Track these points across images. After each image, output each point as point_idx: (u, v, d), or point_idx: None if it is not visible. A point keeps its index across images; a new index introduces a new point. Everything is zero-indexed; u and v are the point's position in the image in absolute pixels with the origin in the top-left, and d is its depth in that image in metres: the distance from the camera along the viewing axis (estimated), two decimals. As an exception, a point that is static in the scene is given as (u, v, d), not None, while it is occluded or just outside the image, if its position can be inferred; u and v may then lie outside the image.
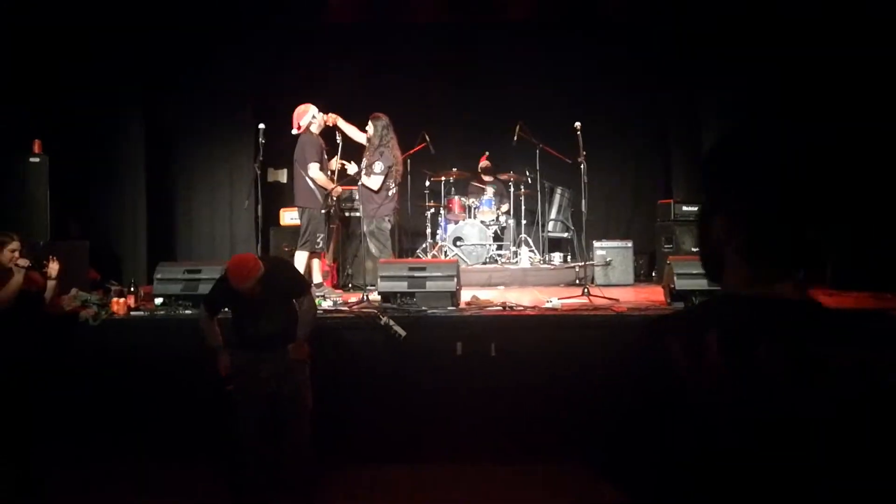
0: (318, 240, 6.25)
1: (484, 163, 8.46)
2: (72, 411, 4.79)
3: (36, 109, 6.52)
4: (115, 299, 5.19)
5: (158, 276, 5.40)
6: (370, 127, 6.47)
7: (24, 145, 5.79)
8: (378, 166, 6.32)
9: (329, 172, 6.37)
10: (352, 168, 6.61)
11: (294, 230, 8.11)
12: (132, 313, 5.18)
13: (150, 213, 7.64)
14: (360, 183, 6.43)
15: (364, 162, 6.44)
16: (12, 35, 6.15)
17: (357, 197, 6.89)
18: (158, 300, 5.31)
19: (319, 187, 6.19)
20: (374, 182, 6.34)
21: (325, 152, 6.31)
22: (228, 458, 4.14)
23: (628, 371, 1.09)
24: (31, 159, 5.66)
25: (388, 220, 6.50)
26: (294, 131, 6.33)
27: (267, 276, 3.96)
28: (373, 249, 6.40)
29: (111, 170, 7.52)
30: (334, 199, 6.42)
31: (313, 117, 6.30)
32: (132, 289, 5.42)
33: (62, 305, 4.99)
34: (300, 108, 6.33)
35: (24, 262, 4.40)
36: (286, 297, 4.17)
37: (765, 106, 7.36)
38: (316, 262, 6.38)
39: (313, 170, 6.15)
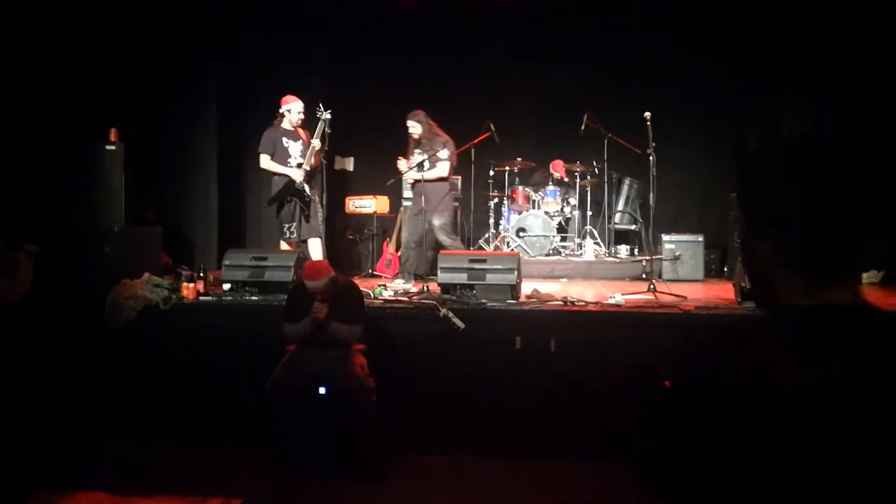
0: (285, 229, 6.39)
1: (557, 173, 8.26)
2: (140, 393, 4.97)
3: (111, 97, 6.76)
4: (185, 284, 5.35)
5: (227, 262, 5.53)
6: (414, 125, 6.52)
7: (100, 133, 6.00)
8: (444, 153, 6.39)
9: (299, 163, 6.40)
10: (402, 165, 6.63)
11: (359, 218, 8.22)
12: (201, 298, 5.32)
13: (220, 200, 7.85)
14: (422, 177, 6.45)
15: (421, 157, 6.46)
16: (87, 24, 6.37)
17: (411, 193, 6.92)
18: (226, 286, 5.45)
19: (278, 176, 6.33)
20: (443, 169, 6.47)
21: (285, 144, 6.37)
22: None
23: (695, 380, 1.03)
24: (107, 147, 5.86)
25: (456, 211, 6.55)
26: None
27: (336, 288, 4.30)
28: (446, 242, 6.49)
29: (185, 157, 7.77)
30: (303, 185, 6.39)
31: (288, 111, 6.37)
32: (202, 274, 5.57)
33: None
34: (286, 97, 6.43)
35: (32, 248, 4.08)
36: (345, 318, 4.34)
37: (849, 92, 6.97)
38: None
39: (263, 161, 6.32)
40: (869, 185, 1.01)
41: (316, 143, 6.28)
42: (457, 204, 6.62)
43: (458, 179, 7.58)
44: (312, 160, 6.32)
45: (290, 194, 6.38)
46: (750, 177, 1.09)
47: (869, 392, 0.91)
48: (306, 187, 6.35)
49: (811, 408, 0.91)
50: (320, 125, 6.22)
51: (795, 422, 0.91)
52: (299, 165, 6.35)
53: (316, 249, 6.45)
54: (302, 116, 6.43)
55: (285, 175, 6.35)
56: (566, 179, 8.22)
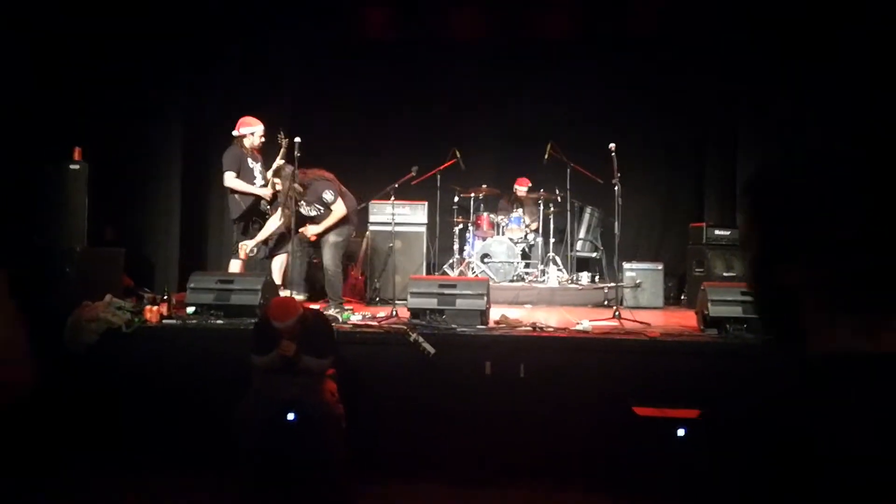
0: (245, 247, 6.26)
1: (522, 188, 8.40)
2: (99, 419, 4.83)
3: (74, 116, 6.63)
4: (148, 307, 5.25)
5: (192, 285, 5.45)
6: (277, 181, 6.26)
7: (63, 152, 5.88)
8: (328, 195, 6.26)
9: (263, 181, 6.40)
10: (310, 230, 6.46)
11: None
12: (164, 321, 5.22)
13: (182, 221, 7.73)
14: (324, 228, 6.35)
15: (311, 210, 6.36)
16: (47, 42, 6.27)
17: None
18: (191, 309, 5.36)
19: (241, 195, 6.30)
20: (339, 208, 6.36)
21: (250, 165, 6.36)
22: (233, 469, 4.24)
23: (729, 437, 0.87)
24: (71, 166, 5.74)
25: (347, 242, 6.68)
26: (234, 133, 6.40)
27: (304, 324, 4.24)
28: (329, 264, 6.40)
29: (147, 178, 7.63)
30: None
31: (251, 133, 6.37)
32: (165, 297, 5.47)
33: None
34: (247, 119, 6.41)
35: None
36: (315, 352, 4.31)
37: (810, 126, 7.24)
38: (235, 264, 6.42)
39: (228, 178, 6.26)
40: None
41: (271, 175, 6.23)
42: (352, 235, 6.68)
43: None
44: (280, 184, 6.27)
45: (256, 215, 6.35)
46: (768, 189, 0.91)
47: None
48: (269, 208, 6.35)
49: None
50: (283, 152, 6.07)
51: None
52: (264, 186, 6.33)
53: (279, 267, 6.45)
54: (263, 139, 6.43)
55: (250, 194, 6.30)
56: (530, 197, 8.35)
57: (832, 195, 0.84)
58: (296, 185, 6.03)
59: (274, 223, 6.33)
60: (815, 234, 0.84)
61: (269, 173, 6.28)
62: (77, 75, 6.67)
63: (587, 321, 5.31)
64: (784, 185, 0.89)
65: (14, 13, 5.85)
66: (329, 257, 6.38)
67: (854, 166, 0.85)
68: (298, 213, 6.20)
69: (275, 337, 4.23)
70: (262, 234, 6.31)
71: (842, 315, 0.84)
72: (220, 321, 5.23)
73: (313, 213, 6.34)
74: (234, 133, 6.40)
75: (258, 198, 6.39)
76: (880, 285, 0.82)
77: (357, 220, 6.68)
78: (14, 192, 5.67)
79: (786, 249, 0.87)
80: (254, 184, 6.35)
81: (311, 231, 6.36)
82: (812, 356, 0.85)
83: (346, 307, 6.33)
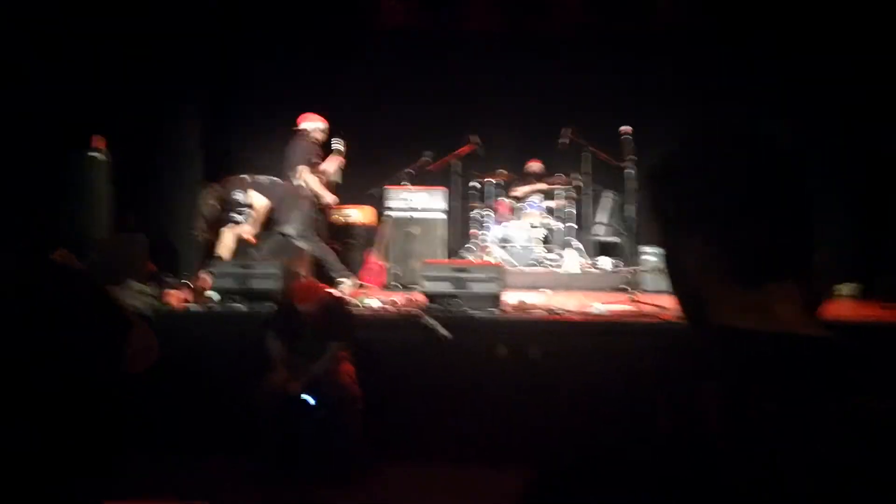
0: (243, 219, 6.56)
1: (535, 165, 8.39)
2: (121, 402, 4.95)
3: (98, 104, 6.76)
4: (170, 291, 5.37)
5: (214, 270, 5.56)
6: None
7: (85, 141, 6.00)
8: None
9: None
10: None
11: (343, 228, 8.28)
12: (187, 306, 5.34)
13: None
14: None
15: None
16: (74, 35, 6.40)
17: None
18: (213, 294, 5.48)
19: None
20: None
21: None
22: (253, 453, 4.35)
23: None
24: (94, 154, 5.88)
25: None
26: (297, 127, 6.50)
27: (325, 309, 4.34)
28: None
29: (170, 164, 7.76)
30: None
31: (319, 129, 6.50)
32: (187, 282, 5.59)
33: None
34: (310, 115, 6.53)
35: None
36: (334, 335, 4.39)
37: (818, 108, 7.21)
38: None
39: (304, 173, 6.36)
40: (810, 185, 0.88)
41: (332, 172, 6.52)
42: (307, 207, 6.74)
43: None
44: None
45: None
46: (665, 173, 0.94)
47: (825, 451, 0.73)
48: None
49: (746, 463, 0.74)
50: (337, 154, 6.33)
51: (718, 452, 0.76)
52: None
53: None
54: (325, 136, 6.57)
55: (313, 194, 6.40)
56: (545, 181, 8.32)
57: (719, 178, 0.87)
58: (211, 203, 6.16)
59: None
60: (697, 215, 0.87)
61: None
62: (102, 67, 6.79)
63: (601, 304, 5.32)
64: (670, 172, 0.93)
65: (39, 6, 5.98)
66: (301, 241, 6.45)
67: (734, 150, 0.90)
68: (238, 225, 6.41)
69: (297, 320, 4.32)
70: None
71: (733, 291, 0.86)
72: (241, 306, 5.34)
73: (241, 219, 6.48)
74: (305, 127, 6.50)
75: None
76: (766, 260, 0.85)
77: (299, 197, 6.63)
78: (38, 182, 5.83)
79: (685, 231, 0.89)
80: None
81: (246, 233, 6.50)
82: (710, 332, 0.88)
83: (362, 292, 6.40)
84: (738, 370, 0.80)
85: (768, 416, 0.75)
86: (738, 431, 0.75)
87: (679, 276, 0.93)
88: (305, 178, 6.32)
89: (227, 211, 6.26)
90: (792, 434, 0.74)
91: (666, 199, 0.92)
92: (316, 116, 6.52)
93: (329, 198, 6.49)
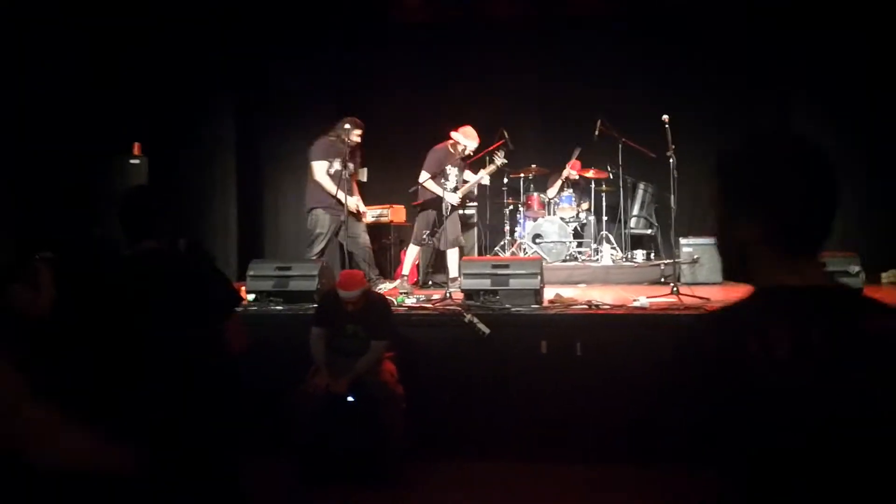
0: (425, 236, 6.72)
1: (575, 172, 8.22)
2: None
3: (132, 111, 6.83)
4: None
5: (251, 272, 5.57)
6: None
7: (122, 148, 6.05)
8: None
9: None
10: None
11: (376, 227, 8.26)
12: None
13: (239, 212, 7.91)
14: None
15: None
16: (102, 38, 6.45)
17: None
18: (251, 296, 5.49)
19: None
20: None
21: (447, 171, 6.66)
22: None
23: (694, 365, 1.18)
24: (131, 161, 5.92)
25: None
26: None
27: (367, 300, 4.36)
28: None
29: (204, 170, 7.82)
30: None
31: (468, 146, 6.64)
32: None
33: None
34: (464, 130, 6.67)
35: (46, 255, 4.21)
36: (374, 331, 4.39)
37: (853, 90, 7.09)
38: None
39: (424, 177, 6.56)
40: (837, 177, 1.15)
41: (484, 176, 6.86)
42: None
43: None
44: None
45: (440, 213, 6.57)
46: (733, 167, 1.23)
47: (857, 364, 1.06)
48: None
49: (809, 386, 1.07)
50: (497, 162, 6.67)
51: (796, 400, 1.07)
52: (454, 190, 6.65)
53: (454, 258, 6.68)
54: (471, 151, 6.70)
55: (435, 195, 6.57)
56: (580, 178, 8.20)
57: (775, 174, 1.18)
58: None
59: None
60: (761, 202, 1.18)
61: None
62: (135, 72, 6.86)
63: (644, 298, 5.24)
64: (738, 166, 1.23)
65: (74, 12, 6.04)
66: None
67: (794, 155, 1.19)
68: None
69: (338, 308, 4.33)
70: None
71: (778, 258, 1.18)
72: (279, 307, 5.35)
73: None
74: (456, 140, 6.66)
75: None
76: (806, 235, 1.18)
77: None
78: (75, 186, 5.88)
79: (740, 212, 1.20)
80: (444, 186, 6.54)
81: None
82: (766, 289, 1.18)
83: (399, 290, 6.38)
84: (794, 313, 1.12)
85: (817, 341, 1.08)
86: (805, 353, 1.08)
87: (736, 241, 1.22)
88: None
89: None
90: (834, 349, 1.07)
91: (737, 180, 1.22)
92: (469, 131, 6.69)
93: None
